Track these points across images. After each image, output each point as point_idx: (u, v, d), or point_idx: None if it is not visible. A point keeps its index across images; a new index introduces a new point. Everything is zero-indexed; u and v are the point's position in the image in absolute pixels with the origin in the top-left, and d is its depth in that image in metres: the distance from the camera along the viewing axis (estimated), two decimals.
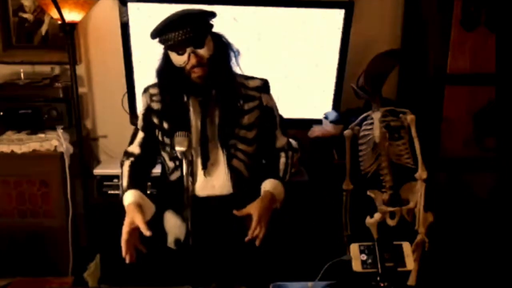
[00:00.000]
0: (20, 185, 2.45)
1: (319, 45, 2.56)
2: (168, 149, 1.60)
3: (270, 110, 1.65)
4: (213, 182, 1.59)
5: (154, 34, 1.47)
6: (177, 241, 1.64)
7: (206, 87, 1.52)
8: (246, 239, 1.47)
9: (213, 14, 1.53)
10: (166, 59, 1.53)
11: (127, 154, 1.63)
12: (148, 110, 1.62)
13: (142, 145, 1.63)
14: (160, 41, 1.49)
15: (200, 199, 1.58)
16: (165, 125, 1.58)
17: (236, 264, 1.65)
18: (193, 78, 1.50)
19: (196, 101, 1.56)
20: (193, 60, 1.46)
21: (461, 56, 2.39)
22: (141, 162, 1.62)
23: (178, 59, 1.48)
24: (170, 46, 1.47)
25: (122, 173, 1.61)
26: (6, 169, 2.42)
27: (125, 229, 1.46)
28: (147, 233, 1.40)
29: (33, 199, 2.46)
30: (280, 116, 1.71)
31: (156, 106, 1.60)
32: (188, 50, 1.45)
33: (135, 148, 1.63)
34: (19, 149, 2.39)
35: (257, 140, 1.63)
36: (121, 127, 2.65)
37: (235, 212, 1.49)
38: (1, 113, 2.42)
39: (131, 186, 1.56)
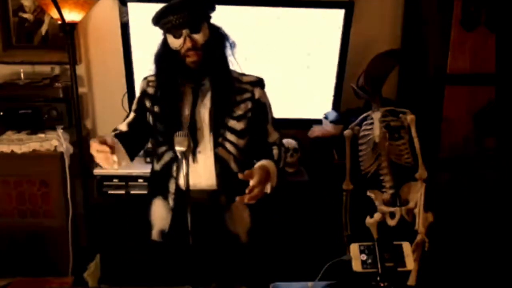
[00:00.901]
0: (20, 185, 2.45)
1: (319, 45, 2.56)
2: (157, 134, 1.62)
3: (262, 104, 1.66)
4: (199, 169, 1.59)
5: (155, 19, 1.54)
6: (161, 233, 1.65)
7: (200, 73, 1.56)
8: (244, 197, 1.41)
9: (212, 7, 1.59)
10: (164, 43, 1.58)
11: (114, 130, 1.64)
12: (143, 94, 1.67)
13: (130, 124, 1.64)
14: (160, 25, 1.55)
15: (184, 191, 1.59)
16: (156, 109, 1.61)
17: (236, 264, 1.65)
18: (188, 63, 1.54)
19: (189, 88, 1.58)
20: (188, 43, 1.51)
21: (461, 56, 2.39)
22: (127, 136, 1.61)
23: (174, 42, 1.54)
24: (168, 28, 1.53)
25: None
26: (6, 169, 2.42)
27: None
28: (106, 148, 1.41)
29: (33, 199, 2.46)
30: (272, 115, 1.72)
31: (151, 90, 1.65)
32: (184, 32, 1.51)
33: (123, 126, 1.64)
34: (19, 149, 2.39)
35: (247, 133, 1.63)
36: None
37: (240, 175, 1.44)
38: (1, 113, 2.42)
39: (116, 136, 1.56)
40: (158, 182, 1.65)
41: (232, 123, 1.60)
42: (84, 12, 2.38)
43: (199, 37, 1.52)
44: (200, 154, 1.59)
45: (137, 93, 1.71)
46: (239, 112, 1.60)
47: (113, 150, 1.42)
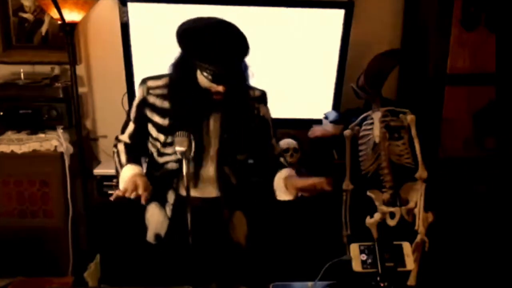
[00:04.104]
0: (20, 185, 2.45)
1: (319, 45, 2.56)
2: (158, 145, 1.59)
3: (266, 121, 1.68)
4: (201, 184, 1.60)
5: (190, 50, 1.42)
6: (157, 236, 1.65)
7: (223, 105, 1.52)
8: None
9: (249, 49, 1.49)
10: (190, 73, 1.47)
11: (118, 140, 1.66)
12: (142, 102, 1.59)
13: (131, 137, 1.63)
14: (192, 57, 1.44)
15: (183, 197, 1.59)
16: (159, 120, 1.56)
17: (236, 264, 1.65)
18: (213, 98, 1.48)
19: (202, 111, 1.54)
20: (220, 89, 1.45)
21: (461, 56, 2.39)
22: (133, 149, 1.64)
23: (204, 81, 1.45)
24: (206, 75, 1.42)
25: (117, 151, 1.62)
26: (6, 169, 2.42)
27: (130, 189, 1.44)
28: (144, 201, 1.42)
29: (33, 199, 2.46)
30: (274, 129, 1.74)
31: (152, 100, 1.57)
32: (222, 86, 1.44)
33: (125, 139, 1.64)
34: (19, 149, 2.39)
35: (248, 149, 1.65)
36: (121, 127, 2.65)
37: (298, 185, 1.54)
38: (1, 113, 2.42)
39: (130, 161, 1.57)
40: (156, 190, 1.61)
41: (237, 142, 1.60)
42: (84, 12, 2.38)
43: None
44: (203, 169, 1.58)
45: (136, 97, 1.62)
46: (244, 134, 1.60)
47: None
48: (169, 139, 1.53)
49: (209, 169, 1.60)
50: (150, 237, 1.66)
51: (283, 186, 1.58)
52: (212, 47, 1.38)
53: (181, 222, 1.51)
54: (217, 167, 1.59)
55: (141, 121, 1.60)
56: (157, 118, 1.57)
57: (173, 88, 1.53)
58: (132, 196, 1.40)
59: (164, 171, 1.61)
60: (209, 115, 1.55)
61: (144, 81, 1.60)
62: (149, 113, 1.58)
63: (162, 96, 1.56)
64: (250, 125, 1.60)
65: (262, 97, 1.67)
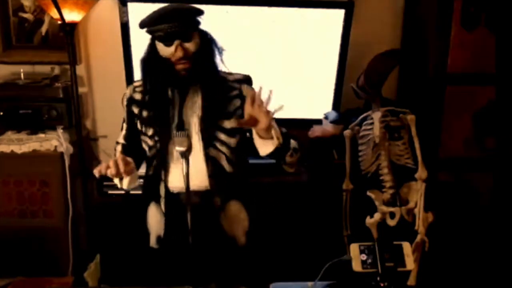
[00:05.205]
0: (20, 185, 2.45)
1: (319, 45, 2.56)
2: (146, 139, 1.62)
3: None
4: (191, 170, 1.55)
5: (144, 24, 1.55)
6: (158, 238, 1.64)
7: (189, 79, 1.55)
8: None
9: (201, 12, 1.58)
10: (152, 49, 1.58)
11: (117, 142, 1.73)
12: (130, 100, 1.67)
13: (126, 138, 1.69)
14: (149, 31, 1.56)
15: (175, 195, 1.59)
16: (145, 113, 1.61)
17: (236, 264, 1.65)
18: (178, 70, 1.53)
19: (177, 92, 1.58)
20: (179, 53, 1.51)
21: (461, 56, 2.39)
22: (130, 150, 1.67)
23: (164, 50, 1.53)
24: (159, 36, 1.53)
25: (115, 153, 1.70)
26: (6, 169, 2.42)
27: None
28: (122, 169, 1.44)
29: (33, 199, 2.46)
30: None
31: (138, 96, 1.65)
32: (176, 42, 1.50)
33: (121, 140, 1.71)
34: (19, 149, 2.39)
35: (238, 132, 1.62)
36: (121, 127, 2.65)
37: (238, 123, 1.50)
38: (1, 113, 2.42)
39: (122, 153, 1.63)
40: (151, 187, 1.64)
41: (222, 122, 1.59)
42: (84, 12, 2.38)
43: (190, 46, 1.52)
44: (191, 156, 1.56)
45: (124, 98, 1.69)
46: (227, 110, 1.60)
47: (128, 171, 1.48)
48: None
49: (197, 154, 1.57)
50: (152, 241, 1.66)
51: (257, 138, 1.54)
52: (157, 12, 1.51)
53: (175, 218, 1.55)
54: (203, 140, 1.57)
55: (131, 120, 1.67)
56: (143, 112, 1.62)
57: (142, 66, 1.61)
58: (112, 169, 1.43)
59: (153, 166, 1.63)
60: (186, 90, 1.57)
61: (131, 83, 1.73)
62: (135, 109, 1.65)
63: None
64: (231, 103, 1.60)
65: (244, 79, 1.66)
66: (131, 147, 1.67)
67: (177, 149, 1.50)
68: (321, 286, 1.42)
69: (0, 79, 2.58)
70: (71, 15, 2.33)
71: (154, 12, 1.51)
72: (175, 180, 1.58)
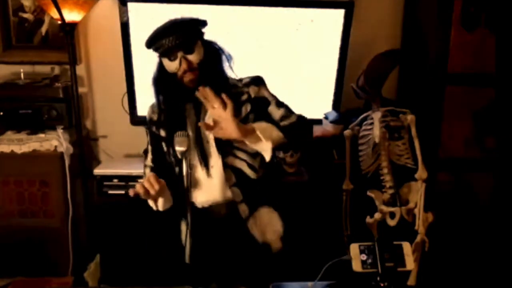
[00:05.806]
0: (20, 185, 2.45)
1: (319, 45, 2.56)
2: (171, 158, 1.62)
3: (259, 99, 1.62)
4: (214, 183, 1.58)
5: (148, 43, 1.55)
6: (191, 254, 1.63)
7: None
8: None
9: (204, 23, 1.59)
10: (160, 67, 1.59)
11: (145, 165, 1.70)
12: (150, 123, 1.68)
13: (153, 160, 1.68)
14: (154, 49, 1.56)
15: (200, 210, 1.60)
16: (163, 133, 1.62)
17: (236, 264, 1.65)
18: (186, 83, 1.54)
19: (191, 107, 1.58)
20: (184, 65, 1.52)
21: (461, 56, 2.39)
22: (159, 172, 1.62)
23: (170, 65, 1.55)
24: (162, 52, 1.54)
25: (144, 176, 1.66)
26: (6, 169, 2.42)
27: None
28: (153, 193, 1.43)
29: (33, 199, 2.46)
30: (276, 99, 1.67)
31: (155, 117, 1.66)
32: (179, 55, 1.52)
33: (149, 163, 1.69)
34: (19, 149, 2.39)
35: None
36: (121, 127, 2.65)
37: (200, 124, 1.45)
38: (1, 113, 2.42)
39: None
40: (179, 204, 1.63)
41: None
42: (84, 12, 2.39)
43: (193, 57, 1.53)
44: (212, 169, 1.58)
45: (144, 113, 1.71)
46: (240, 116, 1.58)
47: (161, 190, 1.47)
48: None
49: (219, 166, 1.57)
50: (187, 257, 1.64)
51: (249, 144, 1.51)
52: (157, 28, 1.53)
53: (203, 233, 1.55)
54: (220, 150, 1.56)
55: (155, 141, 1.66)
56: (161, 132, 1.63)
57: (153, 86, 1.61)
58: (146, 186, 1.42)
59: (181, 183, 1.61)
60: (199, 103, 1.54)
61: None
62: (156, 130, 1.65)
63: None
64: (242, 108, 1.58)
65: (251, 80, 1.64)
66: (160, 168, 1.64)
67: (177, 149, 1.51)
68: (321, 286, 1.42)
69: (0, 79, 2.58)
70: (71, 15, 2.33)
71: (155, 30, 1.53)
72: (201, 193, 1.60)
